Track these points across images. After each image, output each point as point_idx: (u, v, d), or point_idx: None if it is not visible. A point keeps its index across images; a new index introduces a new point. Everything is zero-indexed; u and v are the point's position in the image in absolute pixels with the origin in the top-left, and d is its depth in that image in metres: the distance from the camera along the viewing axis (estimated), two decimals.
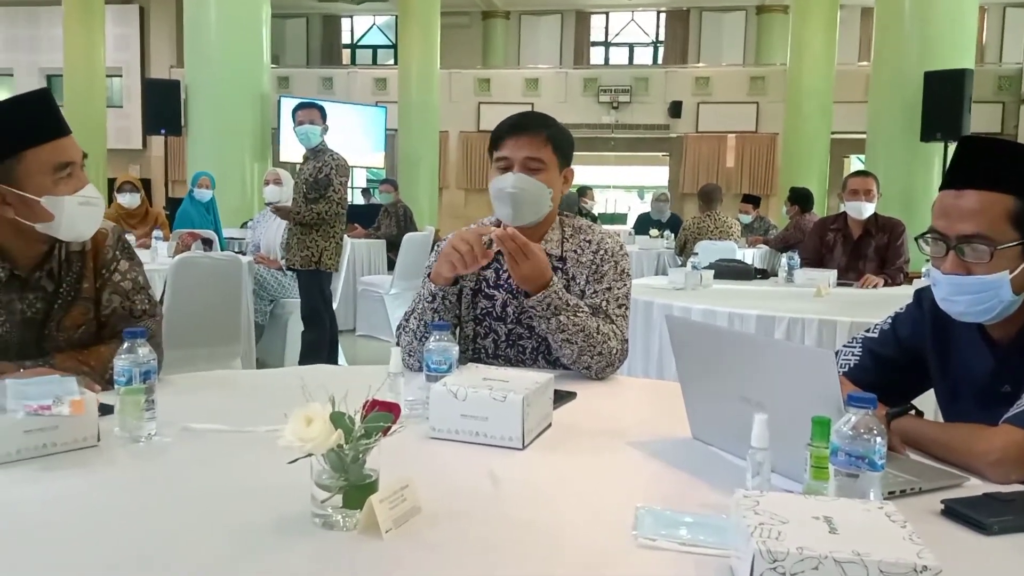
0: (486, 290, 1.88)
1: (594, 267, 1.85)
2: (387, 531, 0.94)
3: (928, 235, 1.36)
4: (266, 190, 5.19)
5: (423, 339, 1.77)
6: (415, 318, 1.83)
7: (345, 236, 4.95)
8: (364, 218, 8.34)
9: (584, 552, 0.94)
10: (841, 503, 0.88)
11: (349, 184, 4.78)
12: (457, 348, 1.50)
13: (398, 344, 1.83)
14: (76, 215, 1.54)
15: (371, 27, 19.97)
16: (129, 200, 5.61)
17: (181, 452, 1.25)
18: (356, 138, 12.50)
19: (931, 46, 7.41)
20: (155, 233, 5.06)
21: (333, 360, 4.79)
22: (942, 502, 1.07)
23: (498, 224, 1.92)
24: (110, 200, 5.72)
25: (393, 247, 7.04)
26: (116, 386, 1.28)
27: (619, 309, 1.83)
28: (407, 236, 6.66)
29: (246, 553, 0.91)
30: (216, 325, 3.38)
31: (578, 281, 1.85)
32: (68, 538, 0.94)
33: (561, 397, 1.54)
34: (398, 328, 1.91)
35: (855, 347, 1.60)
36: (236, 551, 0.91)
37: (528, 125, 1.83)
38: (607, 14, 18.68)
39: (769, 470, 1.02)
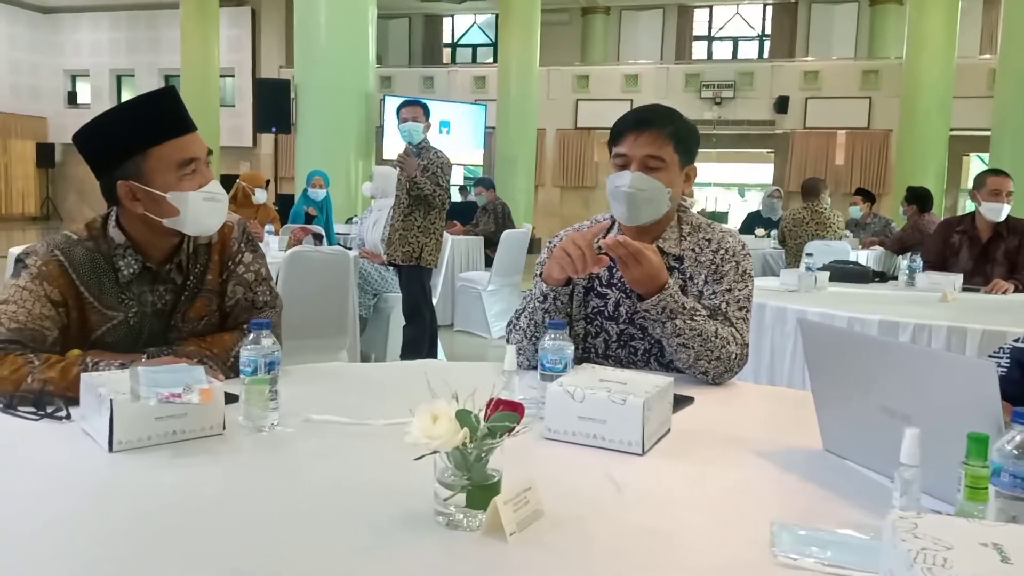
0: (598, 288, 1.83)
1: (714, 267, 1.76)
2: (511, 533, 0.92)
3: None
4: (363, 186, 5.52)
5: (533, 338, 1.75)
6: (526, 317, 1.80)
7: (444, 232, 5.01)
8: (462, 215, 8.41)
9: (718, 565, 0.89)
10: (1010, 529, 0.80)
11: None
12: (573, 347, 1.46)
13: (508, 342, 1.81)
14: (201, 210, 1.58)
15: (471, 26, 20.18)
16: (260, 196, 6.07)
17: (304, 443, 1.27)
18: (456, 136, 12.64)
19: None
20: (267, 227, 5.25)
21: (433, 354, 4.85)
22: None
23: (613, 221, 1.87)
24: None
25: (491, 244, 7.09)
26: (241, 376, 1.30)
27: (739, 312, 1.75)
28: (505, 233, 6.68)
29: (374, 547, 0.90)
30: (325, 317, 3.46)
31: (696, 281, 1.77)
32: (199, 524, 0.96)
33: (678, 402, 1.48)
34: (508, 326, 1.88)
35: (1002, 357, 1.48)
36: (363, 545, 0.91)
37: (650, 121, 1.74)
38: (711, 8, 18.29)
39: (919, 489, 0.94)
